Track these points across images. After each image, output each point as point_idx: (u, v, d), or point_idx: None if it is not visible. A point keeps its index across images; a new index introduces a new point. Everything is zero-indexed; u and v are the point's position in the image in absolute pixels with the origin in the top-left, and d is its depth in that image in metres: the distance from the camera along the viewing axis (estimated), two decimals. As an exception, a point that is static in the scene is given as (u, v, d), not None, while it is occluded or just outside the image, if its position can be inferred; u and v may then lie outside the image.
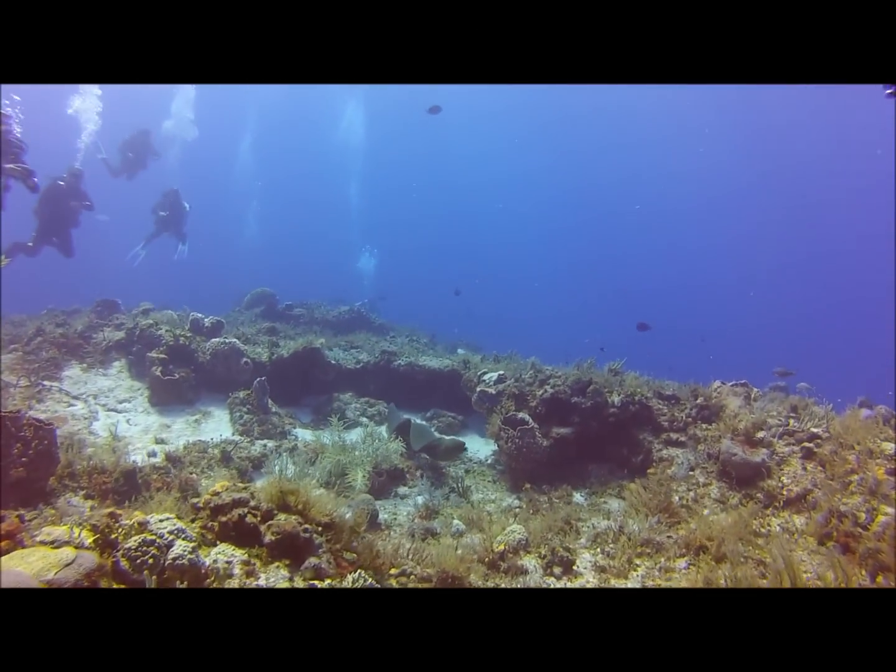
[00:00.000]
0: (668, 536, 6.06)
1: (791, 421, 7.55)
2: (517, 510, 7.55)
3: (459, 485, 8.24)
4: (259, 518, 4.59)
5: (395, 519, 7.25)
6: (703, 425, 8.02)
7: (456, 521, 6.95)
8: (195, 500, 4.92)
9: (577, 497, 7.89)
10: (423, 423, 9.67)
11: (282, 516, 4.66)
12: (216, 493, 4.79)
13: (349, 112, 44.29)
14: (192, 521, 4.69)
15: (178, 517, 4.40)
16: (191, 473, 7.27)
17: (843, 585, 4.87)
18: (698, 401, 8.25)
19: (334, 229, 53.08)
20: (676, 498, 6.85)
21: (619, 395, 8.26)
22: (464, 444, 9.04)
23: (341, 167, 50.33)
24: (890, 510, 5.67)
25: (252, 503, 4.68)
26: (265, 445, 8.77)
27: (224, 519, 4.55)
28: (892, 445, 6.53)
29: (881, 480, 6.03)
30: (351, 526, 5.12)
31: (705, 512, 6.58)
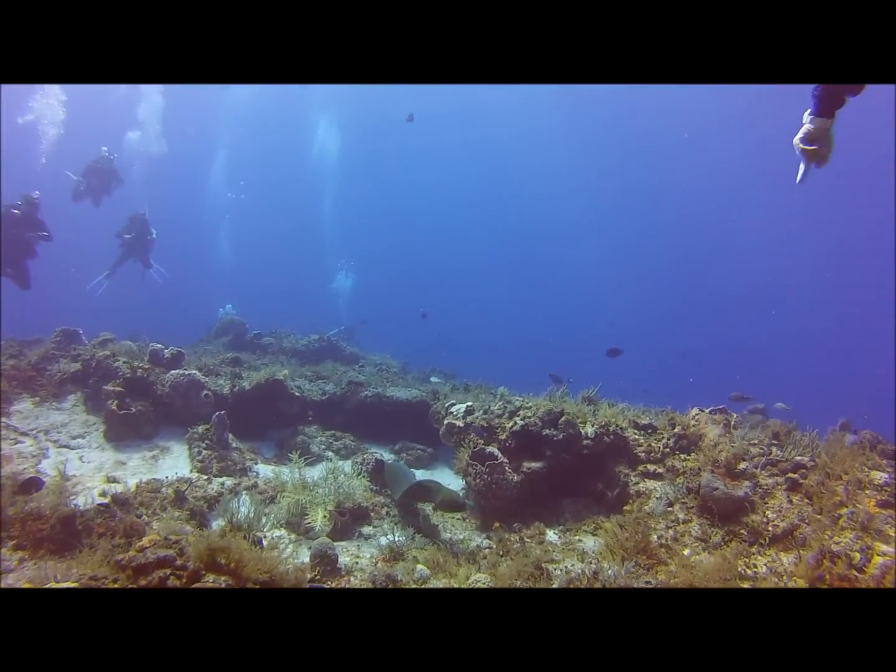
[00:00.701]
0: (647, 582, 5.56)
1: (773, 449, 7.13)
2: (487, 551, 7.05)
3: (426, 524, 7.72)
4: (184, 580, 4.07)
5: (357, 563, 6.70)
6: (682, 456, 7.58)
7: (419, 567, 6.44)
8: (119, 557, 4.38)
9: (551, 535, 7.40)
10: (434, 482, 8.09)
11: (210, 577, 4.14)
12: (142, 549, 4.26)
13: (323, 129, 43.98)
14: (115, 581, 4.16)
15: (93, 578, 3.92)
16: (138, 517, 6.70)
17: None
18: (676, 430, 7.81)
19: (310, 249, 52.51)
20: (655, 537, 6.37)
21: (592, 426, 7.81)
22: (463, 504, 8.03)
23: (316, 185, 49.52)
24: (888, 549, 5.25)
25: (179, 562, 4.17)
26: (223, 484, 8.21)
27: (144, 582, 4.02)
28: (882, 475, 6.13)
29: (873, 515, 5.62)
30: (293, 584, 4.62)
31: (686, 552, 6.11)
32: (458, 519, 8.19)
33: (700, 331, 50.30)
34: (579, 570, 6.01)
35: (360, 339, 22.18)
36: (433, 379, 14.58)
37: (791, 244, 47.37)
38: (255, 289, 43.85)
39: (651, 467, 7.67)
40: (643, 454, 7.84)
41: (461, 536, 7.64)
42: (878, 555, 5.22)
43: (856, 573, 5.10)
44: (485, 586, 5.55)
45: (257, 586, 4.36)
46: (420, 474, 10.17)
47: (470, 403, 9.04)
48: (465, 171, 52.43)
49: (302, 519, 7.16)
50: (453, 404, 9.30)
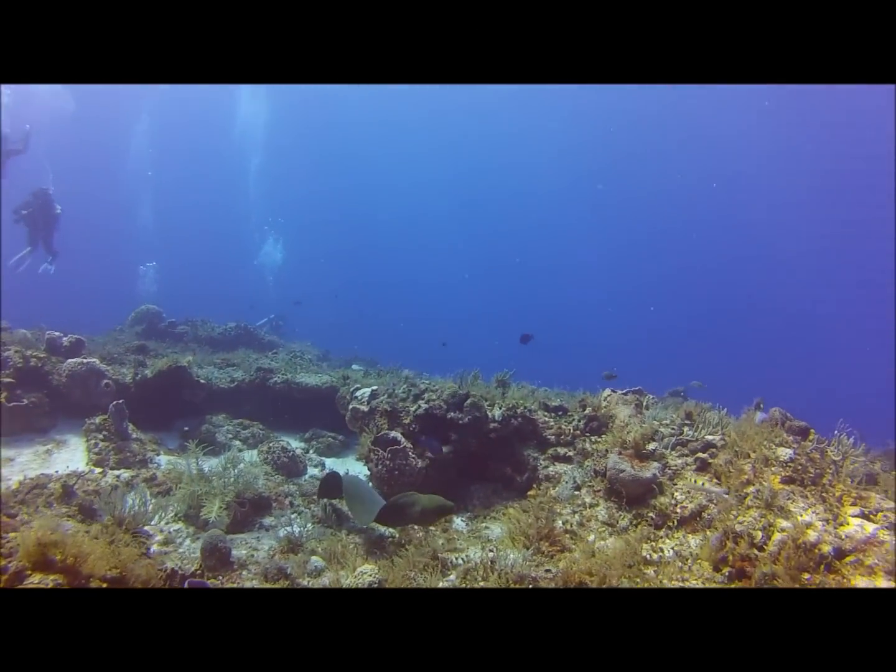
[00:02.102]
0: (547, 570, 5.23)
1: (685, 429, 6.89)
2: (390, 540, 6.65)
3: (329, 513, 7.26)
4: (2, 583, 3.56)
5: (254, 556, 6.23)
6: (593, 438, 7.32)
7: (314, 559, 6.01)
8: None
9: (458, 522, 7.04)
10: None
11: (37, 577, 3.64)
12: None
13: (245, 104, 41.02)
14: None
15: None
16: (11, 516, 6.09)
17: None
18: (586, 411, 7.54)
19: (235, 224, 49.70)
20: (560, 522, 6.05)
21: (500, 409, 7.46)
22: (451, 506, 6.46)
23: (242, 158, 46.79)
24: (786, 524, 5.03)
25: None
26: (118, 476, 7.62)
27: (-44, 587, 3.51)
28: (787, 451, 5.94)
29: (776, 492, 5.40)
30: (145, 580, 4.16)
31: (591, 538, 5.79)
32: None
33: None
34: (480, 558, 5.66)
35: (294, 327, 21.64)
36: (354, 367, 14.11)
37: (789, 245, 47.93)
38: (179, 267, 41.59)
39: (561, 450, 7.38)
40: (553, 437, 7.55)
41: (366, 525, 7.23)
42: (778, 531, 5.00)
43: (756, 552, 4.88)
44: (371, 578, 5.15)
45: (104, 584, 3.92)
46: (330, 463, 9.76)
47: (375, 387, 8.62)
48: (407, 149, 51.53)
49: (200, 511, 6.66)
50: (358, 389, 8.88)
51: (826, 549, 4.72)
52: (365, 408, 8.31)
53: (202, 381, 10.57)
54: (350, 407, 8.58)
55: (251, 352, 13.49)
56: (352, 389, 9.10)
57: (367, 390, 8.60)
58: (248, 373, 11.32)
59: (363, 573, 5.24)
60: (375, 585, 5.12)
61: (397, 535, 6.64)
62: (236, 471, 7.35)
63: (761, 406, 8.36)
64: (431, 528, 6.64)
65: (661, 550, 5.49)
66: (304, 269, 45.72)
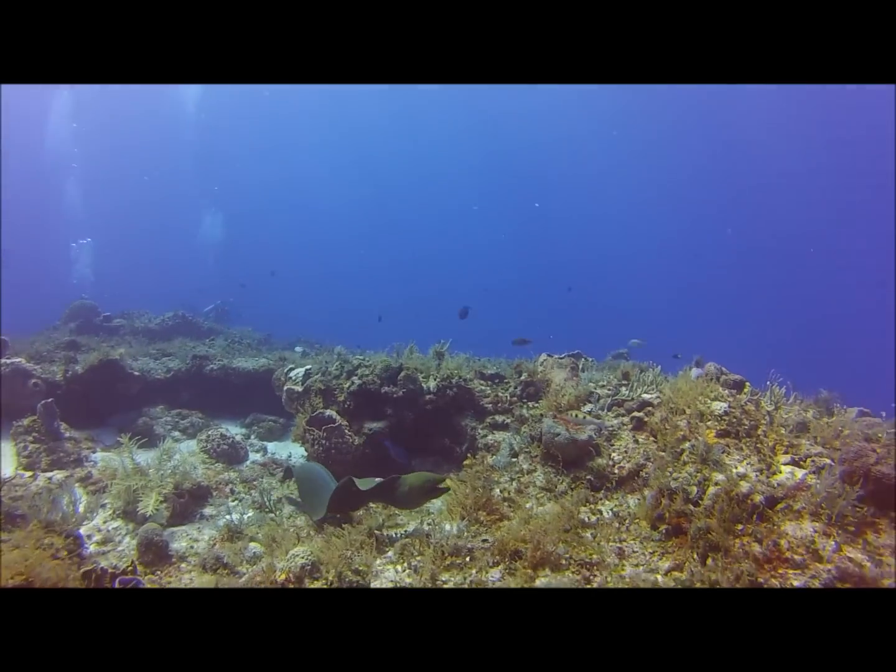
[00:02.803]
0: (484, 540, 5.10)
1: (622, 389, 6.81)
2: (331, 520, 6.46)
3: (267, 499, 7.05)
4: None
5: (193, 547, 6.03)
6: (530, 404, 7.19)
7: (252, 545, 5.84)
8: None
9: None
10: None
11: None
12: None
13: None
14: None
15: None
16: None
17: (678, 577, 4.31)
18: (522, 377, 7.44)
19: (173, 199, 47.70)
20: (497, 491, 5.91)
21: (435, 380, 7.29)
22: (441, 479, 5.83)
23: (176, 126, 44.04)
24: (721, 478, 4.98)
25: None
26: (50, 479, 7.29)
27: None
28: (721, 405, 5.90)
29: (711, 445, 5.35)
30: (55, 581, 3.93)
31: (529, 504, 5.68)
32: (300, 489, 7.58)
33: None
34: (420, 532, 5.53)
35: (242, 312, 21.20)
36: (297, 348, 13.84)
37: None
38: (114, 251, 39.49)
39: (499, 418, 7.26)
40: (490, 405, 7.43)
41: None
42: (713, 485, 4.96)
43: (692, 507, 4.82)
44: (304, 560, 4.97)
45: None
46: (272, 447, 9.53)
47: (309, 367, 8.40)
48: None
49: (138, 507, 6.38)
50: (292, 369, 8.65)
51: (758, 498, 4.70)
52: (299, 388, 8.09)
53: (136, 373, 10.22)
54: (285, 388, 8.37)
55: (188, 340, 13.15)
56: (286, 370, 8.87)
57: (301, 370, 8.38)
58: (183, 362, 11.00)
59: (295, 556, 5.07)
60: (308, 567, 4.95)
61: (339, 515, 6.46)
62: (173, 462, 7.13)
63: (700, 363, 8.35)
64: (372, 505, 6.47)
65: (601, 512, 5.41)
66: (250, 250, 44.50)
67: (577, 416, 6.05)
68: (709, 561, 4.21)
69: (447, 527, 5.31)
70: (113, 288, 17.36)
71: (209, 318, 18.95)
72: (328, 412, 7.28)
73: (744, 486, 4.82)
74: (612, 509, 5.43)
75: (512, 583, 4.43)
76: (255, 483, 7.65)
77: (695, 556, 4.42)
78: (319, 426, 7.08)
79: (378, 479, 5.82)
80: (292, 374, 8.45)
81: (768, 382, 6.63)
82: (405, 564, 5.01)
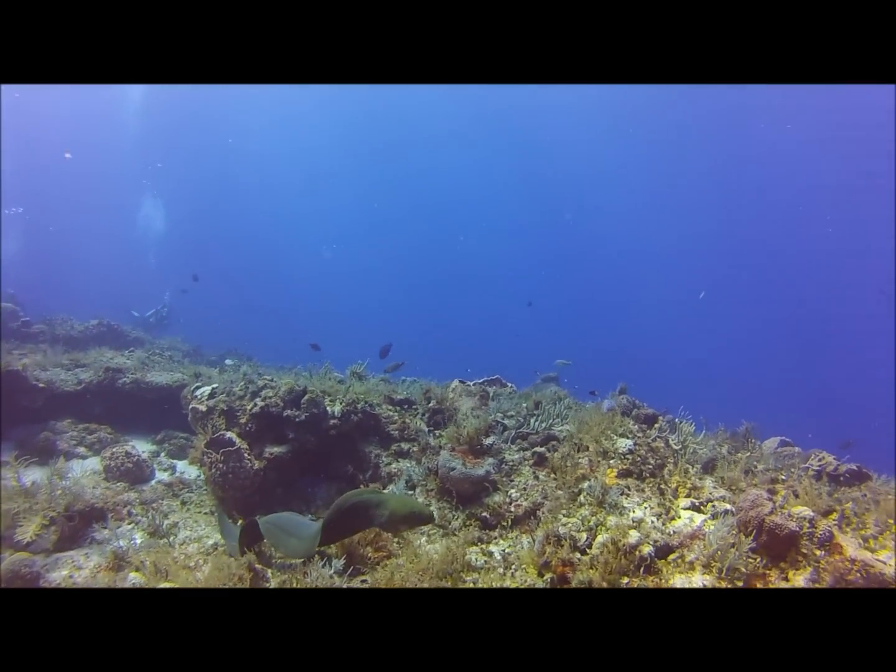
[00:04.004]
0: (363, 581, 4.79)
1: (532, 420, 6.55)
2: (223, 548, 6.10)
3: (160, 523, 6.65)
4: None
5: (74, 576, 5.61)
6: (438, 432, 6.89)
7: (132, 575, 5.45)
8: None
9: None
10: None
11: None
12: None
13: None
14: None
15: None
16: None
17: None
18: (430, 404, 7.12)
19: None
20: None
21: (340, 404, 6.97)
22: (426, 512, 5.16)
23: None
24: (613, 522, 4.73)
25: None
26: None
27: None
28: (626, 442, 5.65)
29: (608, 486, 5.09)
30: None
31: (418, 542, 5.37)
32: (206, 513, 7.18)
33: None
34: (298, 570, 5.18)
35: (185, 319, 20.65)
36: (227, 362, 13.44)
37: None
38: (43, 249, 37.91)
39: (405, 446, 6.97)
40: (396, 432, 7.12)
41: (202, 533, 6.66)
42: (605, 532, 4.70)
43: (579, 555, 4.56)
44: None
45: None
46: (182, 465, 9.10)
47: (216, 385, 8.02)
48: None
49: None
50: (199, 387, 8.25)
51: (646, 550, 4.46)
52: (203, 407, 7.70)
53: (41, 384, 9.67)
54: (190, 407, 7.97)
55: (107, 350, 12.60)
56: (192, 388, 8.48)
57: (208, 388, 7.99)
58: (96, 374, 10.49)
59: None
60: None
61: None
62: (65, 482, 6.68)
63: (625, 390, 8.14)
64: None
65: (491, 554, 5.12)
66: (196, 248, 42.94)
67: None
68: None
69: (332, 563, 5.00)
70: (43, 285, 16.52)
71: (149, 324, 18.39)
72: (228, 434, 6.91)
73: (632, 536, 4.57)
74: (503, 550, 5.16)
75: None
76: (154, 505, 7.24)
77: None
78: (219, 449, 6.71)
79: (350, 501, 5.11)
80: (198, 392, 8.05)
81: (677, 419, 6.44)
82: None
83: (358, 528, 5.21)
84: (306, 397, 6.92)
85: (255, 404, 7.09)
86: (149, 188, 34.27)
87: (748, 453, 6.71)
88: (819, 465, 6.73)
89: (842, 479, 6.39)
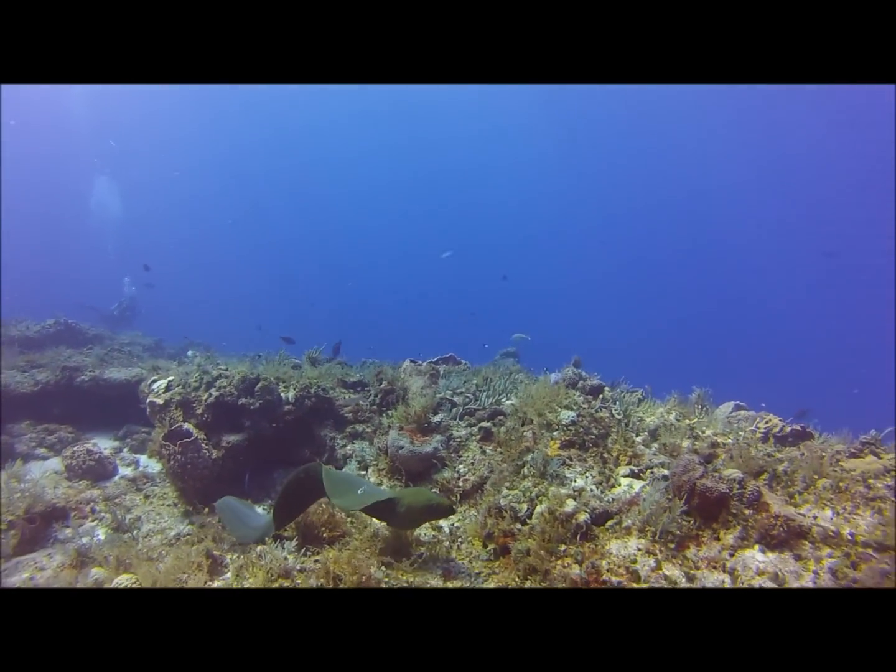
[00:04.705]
0: (316, 561, 4.90)
1: (482, 395, 6.69)
2: (186, 538, 6.17)
3: (123, 518, 6.71)
4: None
5: (35, 578, 5.64)
6: (390, 412, 7.00)
7: (95, 571, 5.50)
8: None
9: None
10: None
11: None
12: None
13: None
14: None
15: None
16: None
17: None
18: (382, 385, 7.23)
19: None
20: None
21: (294, 390, 7.06)
22: (446, 502, 4.87)
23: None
24: (557, 492, 4.89)
25: None
26: None
27: None
28: (569, 414, 5.81)
29: (549, 458, 5.24)
30: None
31: (371, 519, 5.49)
32: (169, 504, 7.25)
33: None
34: (260, 551, 5.26)
35: (147, 312, 20.37)
36: (189, 353, 13.40)
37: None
38: None
39: (360, 427, 7.08)
40: (350, 414, 7.22)
41: (165, 524, 6.73)
42: (543, 502, 4.86)
43: (519, 525, 4.72)
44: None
45: None
46: (144, 460, 9.14)
47: (172, 378, 8.06)
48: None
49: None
50: (155, 380, 8.28)
51: (581, 517, 4.62)
52: (160, 400, 7.75)
53: (-7, 387, 9.66)
54: (147, 400, 8.01)
55: (64, 349, 12.49)
56: (149, 382, 8.51)
57: (164, 381, 8.02)
58: (54, 373, 10.44)
59: (118, 584, 4.81)
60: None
61: (195, 532, 6.19)
62: (23, 484, 6.71)
63: (579, 363, 8.29)
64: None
65: (440, 528, 5.26)
66: (159, 235, 41.64)
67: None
68: (527, 584, 4.09)
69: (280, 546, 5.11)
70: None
71: (113, 317, 18.17)
72: (185, 426, 6.98)
73: (569, 505, 4.73)
74: (452, 524, 5.29)
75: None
76: (117, 500, 7.30)
77: (516, 578, 4.30)
78: (176, 440, 6.79)
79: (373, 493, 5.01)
80: (154, 385, 8.08)
81: (620, 388, 6.60)
82: (239, 587, 4.79)
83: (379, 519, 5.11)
84: (260, 385, 7.00)
85: (211, 394, 7.15)
86: (101, 169, 33.14)
87: (695, 419, 6.89)
88: (766, 427, 6.96)
89: (789, 439, 6.61)
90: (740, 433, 6.61)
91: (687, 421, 6.77)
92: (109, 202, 32.15)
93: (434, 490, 5.62)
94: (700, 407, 7.52)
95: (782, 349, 48.23)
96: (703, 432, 6.58)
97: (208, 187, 53.68)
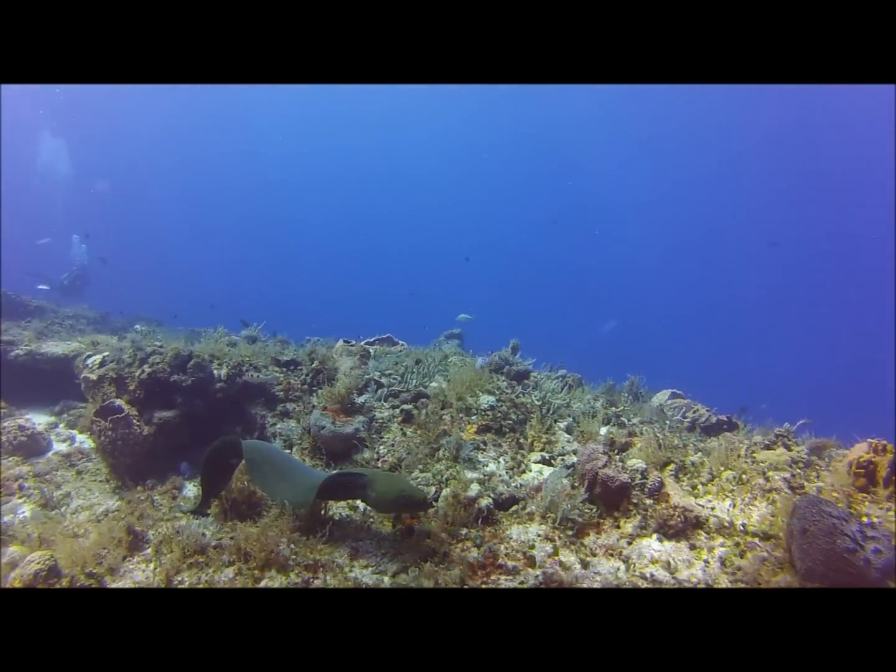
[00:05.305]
0: (231, 538, 4.99)
1: (410, 377, 6.81)
2: (115, 514, 6.21)
3: (51, 494, 6.73)
4: None
5: None
6: (319, 391, 7.10)
7: (13, 549, 5.51)
8: None
9: (189, 488, 6.68)
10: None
11: None
12: None
13: None
14: None
15: None
16: None
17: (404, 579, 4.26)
18: (314, 365, 7.31)
19: None
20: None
21: (227, 368, 7.12)
22: (420, 496, 4.53)
23: None
24: (471, 476, 5.03)
25: None
26: None
27: None
28: (489, 398, 5.94)
29: (463, 442, 5.38)
30: None
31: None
32: (101, 480, 7.27)
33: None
34: (179, 527, 5.33)
35: (102, 287, 19.82)
36: (137, 327, 13.30)
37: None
38: None
39: (290, 406, 7.16)
40: (282, 393, 7.30)
41: (95, 501, 6.75)
42: (451, 485, 5.00)
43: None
44: (39, 566, 4.75)
45: None
46: (81, 436, 9.10)
47: (107, 353, 8.06)
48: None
49: None
50: (90, 356, 8.27)
51: (484, 502, 4.78)
52: (94, 376, 7.75)
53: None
54: (81, 376, 8.01)
55: (2, 321, 12.30)
56: (84, 357, 8.50)
57: (99, 357, 8.02)
58: (-17, 349, 10.29)
59: (31, 561, 4.84)
60: (43, 572, 4.74)
61: (123, 508, 6.22)
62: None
63: (517, 347, 8.43)
64: (156, 497, 6.26)
65: (356, 508, 5.38)
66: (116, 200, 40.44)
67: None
68: (426, 565, 4.21)
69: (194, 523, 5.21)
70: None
71: (63, 287, 17.71)
72: (117, 402, 7.01)
73: (473, 490, 4.88)
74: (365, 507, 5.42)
75: (239, 583, 4.38)
76: (48, 477, 7.30)
77: (418, 560, 4.44)
78: (107, 416, 6.82)
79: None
80: (89, 361, 8.07)
81: (546, 373, 6.75)
82: (156, 563, 4.88)
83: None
84: (192, 362, 7.04)
85: (144, 370, 7.17)
86: (47, 122, 31.45)
87: (622, 407, 7.08)
88: (693, 416, 7.19)
89: (717, 429, 6.85)
90: (667, 422, 6.82)
91: (613, 408, 6.95)
92: (56, 160, 30.54)
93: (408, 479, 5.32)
94: (627, 395, 7.72)
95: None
96: (629, 420, 6.77)
97: (172, 150, 52.39)
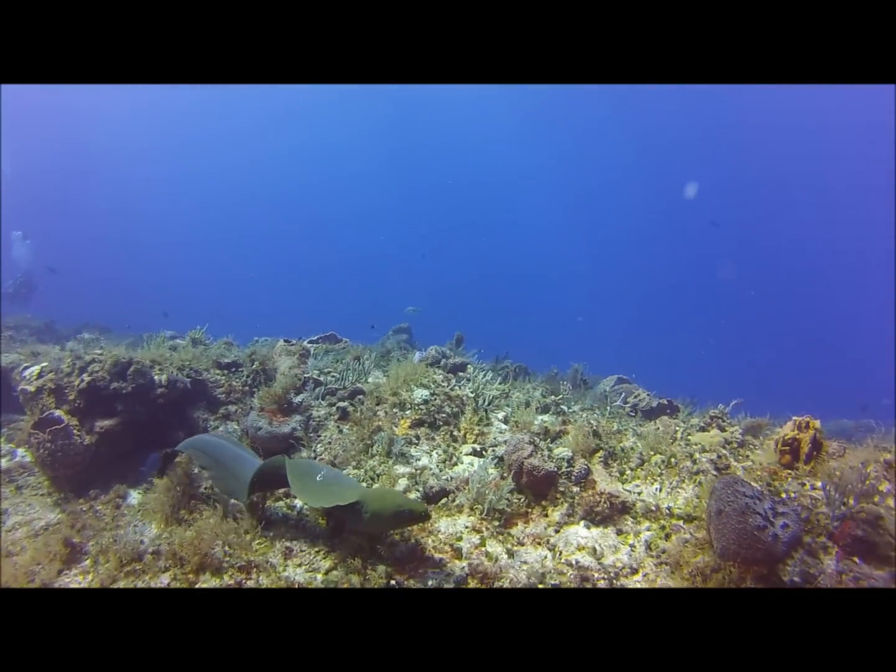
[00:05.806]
0: (169, 544, 5.02)
1: (349, 374, 6.85)
2: (56, 526, 6.18)
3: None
4: None
5: None
6: (260, 393, 7.12)
7: None
8: None
9: (134, 496, 6.66)
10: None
11: None
12: None
13: None
14: None
15: None
16: None
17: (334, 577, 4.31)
18: (254, 366, 7.33)
19: None
20: (203, 488, 5.84)
21: (167, 373, 7.10)
22: (418, 508, 4.34)
23: None
24: (403, 471, 5.10)
25: None
26: None
27: None
28: (423, 392, 6.01)
29: (396, 437, 5.46)
30: None
31: (230, 501, 5.64)
32: (42, 494, 7.20)
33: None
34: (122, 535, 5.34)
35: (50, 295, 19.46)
36: (85, 335, 13.14)
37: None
38: None
39: (232, 408, 7.16)
40: (223, 395, 7.30)
41: (34, 515, 6.69)
42: (388, 479, 5.08)
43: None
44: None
45: None
46: (22, 450, 8.98)
47: (45, 364, 7.98)
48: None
49: None
50: (27, 367, 8.18)
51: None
52: (32, 388, 7.67)
53: None
54: (19, 388, 7.92)
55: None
56: (21, 369, 8.40)
57: (36, 368, 7.92)
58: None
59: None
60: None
61: (64, 521, 6.20)
62: None
63: (461, 340, 8.50)
64: (97, 508, 6.24)
65: (294, 507, 5.42)
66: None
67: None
68: (355, 562, 4.26)
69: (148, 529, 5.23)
70: None
71: (9, 296, 17.33)
72: (56, 413, 6.95)
73: (401, 484, 4.96)
74: (305, 504, 5.46)
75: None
76: (-24, 495, 7.19)
77: (348, 557, 4.49)
78: (45, 428, 6.76)
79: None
80: (26, 372, 7.98)
81: (482, 364, 6.83)
82: (94, 574, 4.89)
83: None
84: (132, 368, 7.01)
85: (83, 380, 7.12)
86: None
87: (561, 396, 7.19)
88: (634, 401, 7.33)
89: (659, 412, 7.00)
90: (607, 408, 6.95)
91: (553, 397, 7.05)
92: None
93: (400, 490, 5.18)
94: (565, 382, 7.84)
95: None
96: (570, 408, 6.88)
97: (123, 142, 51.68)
